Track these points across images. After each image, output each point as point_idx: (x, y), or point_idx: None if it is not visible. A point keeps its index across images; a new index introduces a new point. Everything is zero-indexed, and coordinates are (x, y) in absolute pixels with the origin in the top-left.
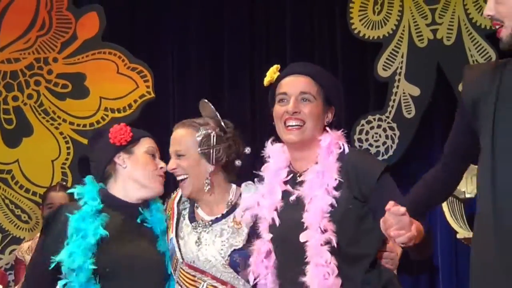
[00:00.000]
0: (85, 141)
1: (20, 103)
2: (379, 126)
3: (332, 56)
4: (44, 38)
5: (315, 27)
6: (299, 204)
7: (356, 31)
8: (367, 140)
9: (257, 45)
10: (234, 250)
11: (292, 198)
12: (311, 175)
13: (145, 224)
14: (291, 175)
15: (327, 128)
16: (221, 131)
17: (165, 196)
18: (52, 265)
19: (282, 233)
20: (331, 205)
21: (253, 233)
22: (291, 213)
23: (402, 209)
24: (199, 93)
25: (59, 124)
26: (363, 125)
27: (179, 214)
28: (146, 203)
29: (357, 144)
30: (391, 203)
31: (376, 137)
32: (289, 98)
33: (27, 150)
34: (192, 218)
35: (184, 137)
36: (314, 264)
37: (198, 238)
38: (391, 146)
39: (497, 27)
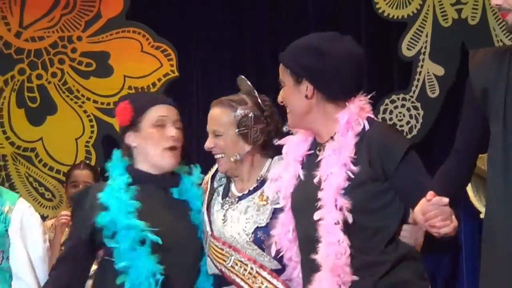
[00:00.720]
0: (109, 120)
1: (44, 82)
2: (403, 106)
3: (357, 36)
4: (68, 16)
5: (339, 7)
6: (316, 181)
7: (380, 11)
8: (391, 119)
9: (280, 27)
10: (258, 227)
11: (313, 177)
12: (327, 152)
13: (177, 196)
14: (314, 147)
15: (347, 103)
16: (259, 110)
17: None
18: (93, 229)
19: (298, 209)
20: (348, 180)
21: (278, 209)
22: (308, 189)
23: (445, 199)
24: (222, 73)
25: (83, 102)
26: (387, 104)
27: (212, 189)
28: (176, 174)
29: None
30: (431, 193)
31: (400, 116)
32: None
33: (51, 128)
34: (225, 194)
35: (221, 117)
36: (327, 243)
37: (224, 215)
38: (415, 126)
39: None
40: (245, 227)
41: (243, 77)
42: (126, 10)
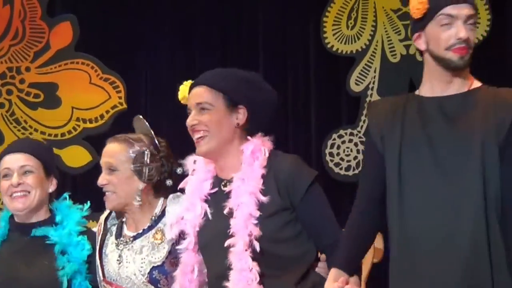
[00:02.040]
0: (56, 151)
1: None
2: (350, 141)
3: (305, 70)
4: (17, 47)
5: (288, 41)
6: (225, 213)
7: (329, 45)
8: (338, 154)
9: (230, 58)
10: (154, 267)
11: (223, 209)
12: (236, 183)
13: (47, 241)
14: (216, 184)
15: (249, 137)
16: (154, 149)
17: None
18: None
19: (208, 244)
20: (259, 209)
21: (175, 249)
22: (218, 223)
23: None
24: (172, 105)
25: (30, 133)
26: (334, 139)
27: (105, 230)
28: (47, 220)
29: (328, 158)
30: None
31: (348, 151)
32: (190, 112)
33: None
34: (119, 234)
35: (117, 152)
36: (238, 270)
37: (120, 256)
38: (363, 161)
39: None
40: (141, 267)
41: (140, 116)
42: (75, 42)
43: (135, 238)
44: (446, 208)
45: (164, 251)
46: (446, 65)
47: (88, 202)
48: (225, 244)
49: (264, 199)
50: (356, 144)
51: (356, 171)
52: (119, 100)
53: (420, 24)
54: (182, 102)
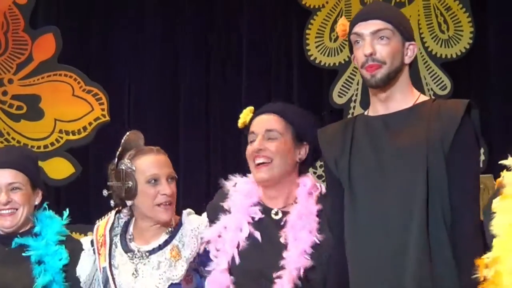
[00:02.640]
0: (39, 163)
1: None
2: None
3: (288, 82)
4: (0, 59)
5: (271, 54)
6: (278, 243)
7: (312, 58)
8: (321, 166)
9: (213, 73)
10: (172, 284)
11: (278, 237)
12: (293, 216)
13: (26, 252)
14: (264, 211)
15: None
16: None
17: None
18: None
19: (253, 267)
20: (313, 247)
21: (197, 266)
22: (269, 248)
23: None
24: (154, 117)
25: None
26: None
27: (111, 241)
28: (28, 230)
29: (311, 170)
30: None
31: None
32: (256, 136)
33: None
34: (126, 247)
35: (169, 162)
36: None
37: (135, 270)
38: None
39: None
40: (159, 283)
41: (138, 132)
42: (58, 54)
43: (150, 253)
44: (394, 224)
45: (183, 269)
46: (367, 84)
47: (67, 209)
48: (274, 275)
49: (320, 238)
50: None
51: None
52: (102, 112)
53: (351, 46)
54: (240, 127)
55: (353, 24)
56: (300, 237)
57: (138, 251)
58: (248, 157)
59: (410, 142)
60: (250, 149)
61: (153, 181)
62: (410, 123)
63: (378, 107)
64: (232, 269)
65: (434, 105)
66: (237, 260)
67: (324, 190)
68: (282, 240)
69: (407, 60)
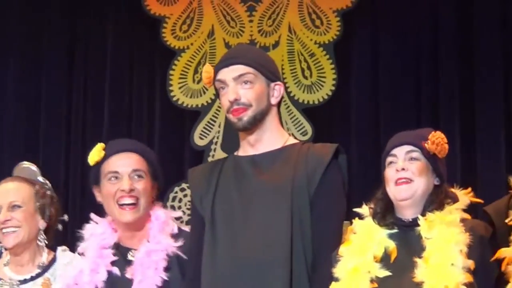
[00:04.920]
0: None
1: None
2: None
3: (150, 121)
4: None
5: (135, 93)
6: (128, 283)
7: (175, 99)
8: (180, 207)
9: (75, 109)
10: None
11: (128, 274)
12: (141, 254)
13: None
14: (120, 252)
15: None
16: (50, 192)
17: None
18: None
19: None
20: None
21: None
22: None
23: None
24: (13, 145)
25: None
26: (176, 192)
27: None
28: None
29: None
30: None
31: (189, 205)
32: (122, 176)
33: None
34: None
35: (20, 190)
36: None
37: None
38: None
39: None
40: None
41: (25, 163)
42: None
43: (22, 282)
44: (255, 261)
45: None
46: (235, 127)
47: None
48: None
49: (165, 275)
50: None
51: None
52: None
53: (217, 91)
54: (91, 164)
55: (216, 70)
56: (147, 275)
57: (10, 279)
58: (110, 196)
59: (276, 182)
60: (113, 187)
61: None
62: (277, 164)
63: (248, 148)
64: None
65: (303, 147)
66: None
67: (176, 229)
68: (128, 276)
69: (274, 100)
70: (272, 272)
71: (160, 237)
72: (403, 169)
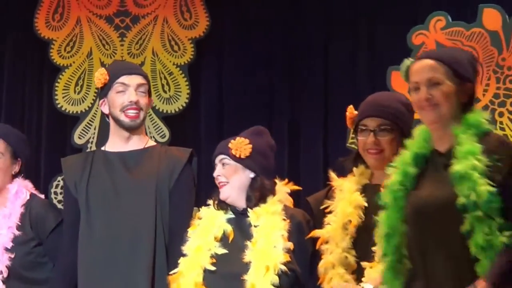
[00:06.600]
0: None
1: None
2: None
3: (38, 125)
4: None
5: (27, 102)
6: None
7: (59, 106)
8: (61, 193)
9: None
10: None
11: None
12: None
13: None
14: None
15: (16, 178)
16: None
17: None
18: None
19: None
20: (12, 240)
21: None
22: None
23: None
24: None
25: None
26: (59, 180)
27: None
28: None
29: (53, 196)
30: None
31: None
32: None
33: None
34: None
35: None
36: None
37: None
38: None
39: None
40: None
41: None
42: None
43: None
44: (126, 238)
45: None
46: (121, 125)
47: None
48: None
49: (17, 232)
50: None
51: None
52: None
53: (103, 92)
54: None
55: (118, 75)
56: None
57: None
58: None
59: (143, 174)
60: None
61: None
62: (142, 161)
63: (118, 144)
64: None
65: (162, 149)
66: None
67: (28, 196)
68: None
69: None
70: (141, 247)
71: (14, 203)
72: (219, 175)
